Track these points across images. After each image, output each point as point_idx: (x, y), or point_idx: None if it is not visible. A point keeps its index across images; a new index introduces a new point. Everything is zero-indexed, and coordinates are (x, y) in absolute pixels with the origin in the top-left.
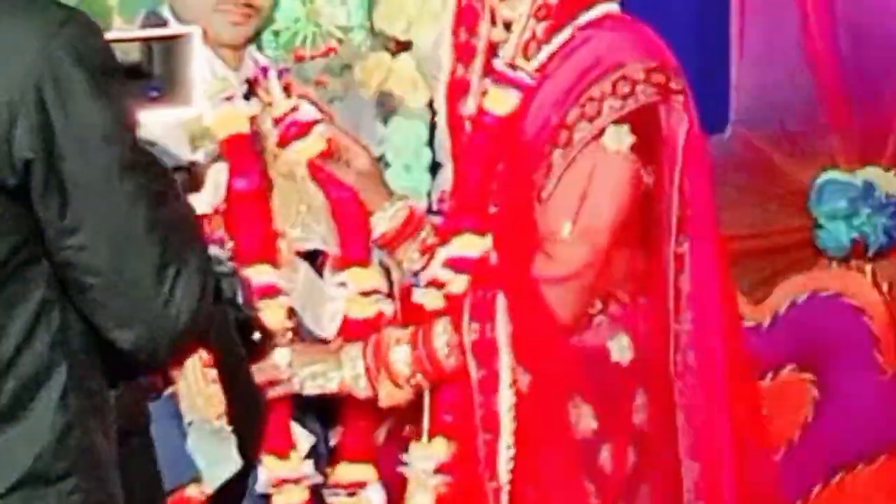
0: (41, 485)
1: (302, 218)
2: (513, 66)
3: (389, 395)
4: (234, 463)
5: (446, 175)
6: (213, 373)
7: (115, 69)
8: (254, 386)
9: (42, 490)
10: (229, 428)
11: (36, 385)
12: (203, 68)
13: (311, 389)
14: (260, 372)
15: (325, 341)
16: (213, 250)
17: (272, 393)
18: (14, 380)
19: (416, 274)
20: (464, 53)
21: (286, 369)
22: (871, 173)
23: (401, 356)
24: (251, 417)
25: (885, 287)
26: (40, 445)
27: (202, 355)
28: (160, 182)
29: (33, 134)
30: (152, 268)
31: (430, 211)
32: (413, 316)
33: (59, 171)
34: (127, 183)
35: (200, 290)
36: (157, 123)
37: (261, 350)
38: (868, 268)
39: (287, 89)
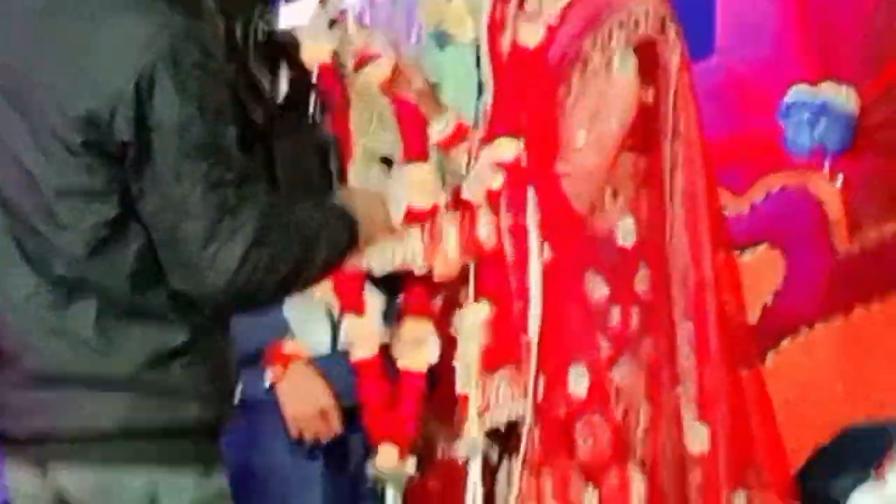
0: (165, 359)
1: (373, 126)
2: (540, 7)
3: (442, 270)
4: (323, 329)
5: (488, 94)
6: None
7: (206, 65)
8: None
9: (167, 363)
10: (318, 299)
11: (148, 289)
12: None
13: (376, 265)
14: None
15: None
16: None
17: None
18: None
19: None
20: None
21: None
22: (829, 90)
23: (451, 238)
24: None
25: (838, 182)
26: (162, 330)
27: None
28: (231, 170)
29: (129, 123)
30: (200, 238)
31: (475, 122)
32: (461, 206)
33: (145, 149)
34: (191, 165)
35: (238, 265)
36: None
37: None
38: (826, 167)
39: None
